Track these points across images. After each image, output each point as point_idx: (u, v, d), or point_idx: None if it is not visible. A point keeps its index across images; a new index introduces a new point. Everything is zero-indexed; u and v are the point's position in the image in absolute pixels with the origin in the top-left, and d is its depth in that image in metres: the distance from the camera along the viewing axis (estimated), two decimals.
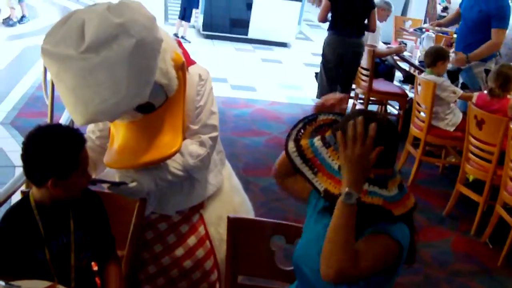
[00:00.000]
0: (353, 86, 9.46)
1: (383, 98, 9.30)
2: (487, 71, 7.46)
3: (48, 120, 5.91)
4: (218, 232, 3.59)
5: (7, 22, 13.39)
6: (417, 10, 15.22)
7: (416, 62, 8.87)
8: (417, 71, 8.62)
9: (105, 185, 3.18)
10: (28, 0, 14.58)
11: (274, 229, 3.17)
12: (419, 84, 7.20)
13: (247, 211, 3.78)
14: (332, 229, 2.34)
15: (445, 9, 12.77)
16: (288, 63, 13.53)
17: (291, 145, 2.53)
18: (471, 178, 6.86)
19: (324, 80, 9.11)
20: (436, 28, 9.41)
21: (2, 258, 2.78)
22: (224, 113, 7.95)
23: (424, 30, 10.12)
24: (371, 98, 9.04)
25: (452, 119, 7.12)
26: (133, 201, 3.28)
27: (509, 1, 7.86)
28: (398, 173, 2.55)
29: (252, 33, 15.20)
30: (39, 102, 8.35)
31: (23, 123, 7.86)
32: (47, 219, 2.84)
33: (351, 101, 9.69)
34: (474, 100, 6.54)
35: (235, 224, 3.16)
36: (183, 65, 3.11)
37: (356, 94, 9.51)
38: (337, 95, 2.87)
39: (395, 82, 10.35)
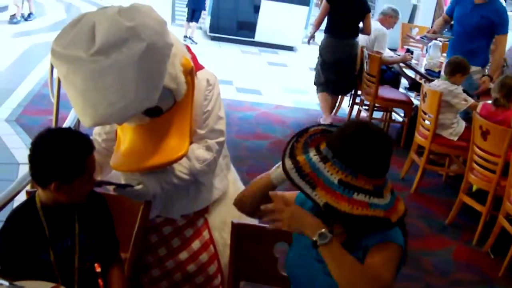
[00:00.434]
0: (359, 92, 9.48)
1: (388, 105, 9.28)
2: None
3: (53, 118, 5.91)
4: (222, 237, 3.59)
5: (12, 20, 13.39)
6: (424, 18, 15.22)
7: (422, 70, 8.86)
8: (423, 79, 8.61)
9: (111, 187, 3.18)
10: None
11: (278, 236, 3.17)
12: (425, 93, 7.19)
13: None
14: (337, 272, 2.38)
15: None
16: (294, 67, 13.54)
17: (288, 162, 2.49)
18: (474, 187, 6.86)
19: (322, 78, 9.53)
20: (436, 35, 9.42)
21: (7, 258, 2.79)
22: (229, 116, 7.98)
23: (432, 38, 10.11)
24: (376, 104, 9.04)
25: (456, 128, 7.12)
26: (138, 204, 3.28)
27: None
28: (387, 179, 2.60)
29: (258, 36, 15.21)
30: (45, 100, 8.35)
31: (28, 121, 7.88)
32: (53, 221, 2.84)
33: (356, 108, 9.69)
34: (478, 109, 6.53)
35: (239, 230, 3.16)
36: (192, 70, 3.11)
37: (362, 101, 9.51)
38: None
39: (401, 89, 10.34)
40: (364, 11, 9.09)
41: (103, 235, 3.06)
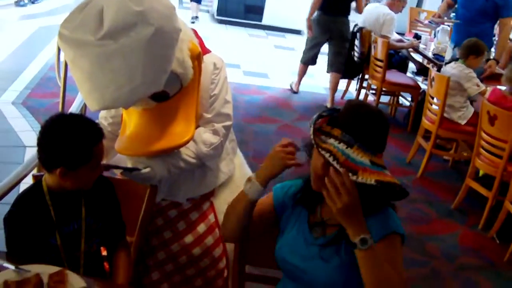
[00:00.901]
0: (366, 76, 9.47)
1: (396, 89, 9.27)
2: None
3: (60, 101, 5.92)
4: None
5: (19, 2, 13.38)
6: (432, 2, 15.14)
7: (430, 55, 8.85)
8: (431, 64, 8.60)
9: (118, 171, 3.18)
10: None
11: None
12: (433, 77, 7.17)
13: None
14: (369, 277, 2.41)
15: None
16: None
17: (327, 154, 2.46)
18: (481, 172, 6.85)
19: (308, 50, 10.07)
20: (443, 19, 9.39)
21: (13, 242, 2.81)
22: (236, 99, 7.95)
23: (439, 23, 10.08)
24: (383, 89, 9.02)
25: (465, 112, 7.10)
26: (144, 187, 3.29)
27: None
28: None
29: (266, 20, 15.18)
30: (51, 83, 8.37)
31: (35, 103, 7.89)
32: (59, 205, 2.85)
33: (363, 92, 9.68)
34: (487, 95, 6.51)
35: None
36: (199, 55, 3.11)
37: (369, 85, 9.50)
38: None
39: (408, 74, 10.32)
40: None
41: (110, 219, 3.07)
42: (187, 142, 3.09)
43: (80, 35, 2.64)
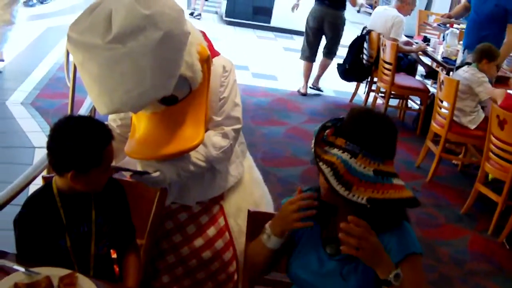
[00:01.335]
0: (375, 79, 9.46)
1: (405, 92, 9.25)
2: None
3: (69, 102, 5.91)
4: (238, 224, 3.59)
5: (27, 2, 13.39)
6: (441, 5, 15.16)
7: (439, 58, 8.83)
8: (440, 67, 8.58)
9: (127, 173, 3.17)
10: None
11: None
12: (442, 81, 7.15)
13: (267, 203, 3.77)
14: None
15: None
16: None
17: (327, 169, 2.45)
18: (490, 177, 6.83)
19: (305, 44, 10.43)
20: (450, 20, 9.40)
21: (23, 244, 2.80)
22: (244, 101, 7.98)
23: (448, 25, 10.06)
24: (392, 92, 8.99)
25: (475, 116, 7.08)
26: (154, 190, 3.28)
27: None
28: None
29: (274, 21, 15.21)
30: (60, 83, 8.37)
31: (44, 104, 7.90)
32: (69, 207, 2.84)
33: (372, 95, 9.66)
34: (500, 102, 6.48)
35: (255, 218, 3.15)
36: (208, 58, 3.10)
37: (378, 88, 9.49)
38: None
39: (417, 77, 10.31)
40: None
41: (120, 221, 3.06)
42: (197, 146, 3.08)
43: (89, 38, 2.64)
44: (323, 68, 10.55)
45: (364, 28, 9.78)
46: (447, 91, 7.02)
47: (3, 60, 9.39)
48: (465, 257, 5.77)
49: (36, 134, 6.82)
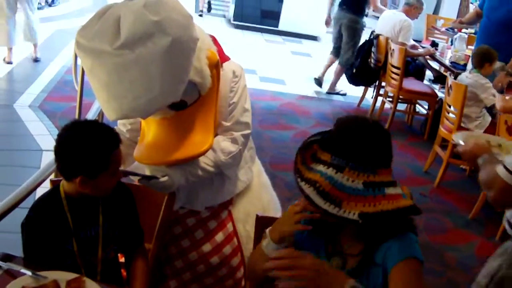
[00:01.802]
0: (383, 84, 9.45)
1: (413, 97, 9.23)
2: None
3: (77, 106, 5.92)
4: (246, 229, 3.58)
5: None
6: (450, 9, 15.12)
7: (447, 62, 8.81)
8: (448, 72, 8.56)
9: (135, 178, 3.17)
10: None
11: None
12: (450, 86, 7.13)
13: (275, 209, 3.75)
14: None
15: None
16: (318, 57, 13.48)
17: (306, 186, 2.36)
18: None
19: (332, 47, 10.90)
20: (462, 25, 9.38)
21: (31, 248, 2.79)
22: (252, 106, 7.99)
23: (456, 30, 10.05)
24: (400, 96, 8.97)
25: (482, 121, 7.07)
26: (162, 195, 3.28)
27: None
28: None
29: (282, 25, 15.18)
30: (68, 86, 8.39)
31: (52, 107, 7.91)
32: (76, 211, 2.84)
33: (380, 99, 9.65)
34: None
35: (263, 223, 3.13)
36: (218, 63, 3.09)
37: (385, 92, 9.47)
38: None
39: (425, 82, 10.29)
40: None
41: (127, 225, 3.06)
42: (206, 151, 3.07)
43: (97, 44, 2.64)
44: (337, 75, 10.64)
45: (372, 32, 9.78)
46: (455, 96, 7.00)
47: (11, 63, 9.42)
48: (473, 263, 5.74)
49: (44, 137, 6.83)
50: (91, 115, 4.96)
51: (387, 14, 9.67)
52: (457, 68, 8.45)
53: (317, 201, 2.32)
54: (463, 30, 9.91)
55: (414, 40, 9.83)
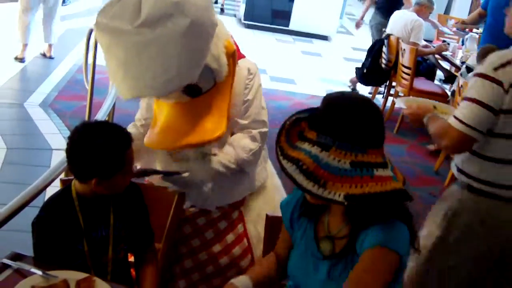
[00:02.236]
0: (393, 83, 9.42)
1: (423, 97, 9.16)
2: None
3: (87, 104, 5.92)
4: (257, 230, 3.56)
5: None
6: (461, 9, 15.10)
7: (458, 62, 8.78)
8: (459, 72, 8.53)
9: (156, 176, 3.19)
10: None
11: None
12: (461, 86, 7.10)
13: None
14: None
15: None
16: (328, 56, 13.47)
17: (288, 164, 2.26)
18: None
19: None
20: (466, 25, 9.36)
21: (41, 247, 2.79)
22: None
23: (467, 30, 10.02)
24: (411, 96, 8.93)
25: None
26: (172, 195, 3.28)
27: None
28: None
29: (293, 25, 15.17)
30: (79, 85, 8.38)
31: (62, 106, 7.91)
32: (88, 211, 2.84)
33: (390, 99, 9.63)
34: None
35: (273, 223, 3.12)
36: (234, 53, 3.13)
37: (396, 92, 9.43)
38: None
39: (436, 81, 10.26)
40: None
41: (138, 225, 3.05)
42: (219, 138, 3.10)
43: (118, 23, 2.70)
44: (373, 93, 10.53)
45: (383, 32, 9.76)
46: None
47: (23, 61, 9.45)
48: None
49: (54, 136, 6.82)
50: (101, 113, 4.96)
51: (398, 14, 9.63)
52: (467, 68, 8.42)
53: (300, 181, 2.22)
54: (474, 30, 9.87)
55: (425, 40, 9.80)
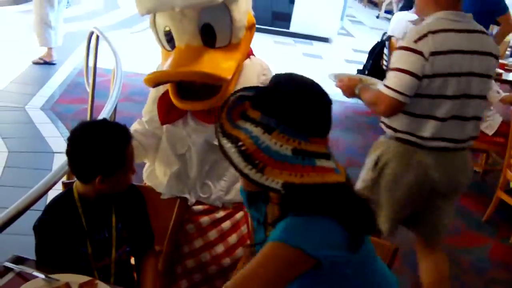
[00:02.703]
0: None
1: None
2: None
3: (88, 107, 5.92)
4: None
5: None
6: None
7: None
8: None
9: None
10: None
11: None
12: None
13: None
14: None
15: None
16: (329, 59, 13.47)
17: (227, 143, 2.13)
18: None
19: None
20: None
21: (44, 250, 2.78)
22: None
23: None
24: None
25: (492, 122, 7.02)
26: (174, 198, 3.28)
27: None
28: None
29: (293, 27, 15.19)
30: (79, 88, 8.40)
31: (63, 109, 7.92)
32: (90, 213, 2.84)
33: None
34: None
35: None
36: (253, 26, 3.20)
37: None
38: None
39: None
40: None
41: (139, 226, 3.05)
42: (230, 80, 3.10)
43: None
44: None
45: (384, 34, 9.73)
46: None
47: (55, 63, 9.51)
48: (486, 265, 5.72)
49: (55, 139, 6.83)
50: (103, 116, 4.96)
51: (400, 16, 9.62)
52: None
53: (237, 162, 2.09)
54: None
55: None
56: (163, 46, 3.26)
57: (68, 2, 13.82)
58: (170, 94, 3.16)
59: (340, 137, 8.47)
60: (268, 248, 2.14)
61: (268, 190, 2.12)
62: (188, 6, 2.93)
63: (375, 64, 9.51)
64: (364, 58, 10.01)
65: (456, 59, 3.66)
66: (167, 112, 3.26)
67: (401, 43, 3.79)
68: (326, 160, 2.17)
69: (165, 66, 3.07)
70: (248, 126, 2.14)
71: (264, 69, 3.31)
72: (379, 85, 3.86)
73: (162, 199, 3.33)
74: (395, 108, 3.72)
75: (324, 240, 2.15)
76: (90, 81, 6.19)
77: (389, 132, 3.93)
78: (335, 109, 7.25)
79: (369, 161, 4.06)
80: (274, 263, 2.13)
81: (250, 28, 3.17)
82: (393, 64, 3.74)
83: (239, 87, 2.84)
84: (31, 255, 2.79)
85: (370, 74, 9.41)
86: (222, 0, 2.92)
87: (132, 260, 3.17)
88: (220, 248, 3.48)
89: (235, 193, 3.44)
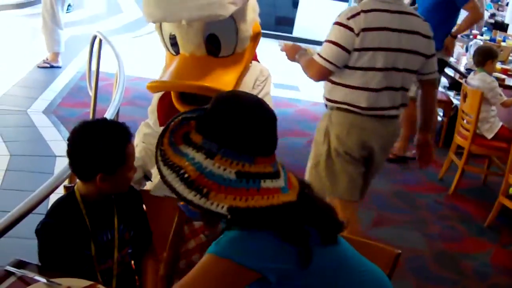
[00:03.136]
0: None
1: None
2: None
3: (91, 111, 5.92)
4: None
5: None
6: (462, 15, 15.04)
7: (463, 69, 8.76)
8: (463, 79, 8.52)
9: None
10: None
11: None
12: (466, 93, 7.09)
13: None
14: None
15: (492, 15, 12.63)
16: None
17: (168, 171, 2.09)
18: None
19: None
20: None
21: (48, 254, 2.77)
22: None
23: (471, 37, 9.99)
24: None
25: (492, 125, 7.02)
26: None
27: None
28: None
29: (297, 32, 15.17)
30: (82, 92, 8.40)
31: (65, 113, 7.92)
32: (93, 214, 2.84)
33: None
34: None
35: None
36: (258, 35, 3.23)
37: None
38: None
39: (440, 88, 10.23)
40: None
41: (139, 226, 3.06)
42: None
43: None
44: None
45: None
46: (470, 102, 6.95)
47: (60, 67, 9.53)
48: (488, 271, 5.70)
49: (58, 143, 6.83)
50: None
51: None
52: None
53: (180, 190, 2.04)
54: (479, 37, 9.84)
55: None
56: (167, 49, 3.27)
57: (69, 6, 13.86)
58: (172, 98, 3.17)
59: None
60: (203, 260, 2.14)
61: (213, 215, 2.05)
62: (195, 19, 2.94)
63: None
64: None
65: (385, 35, 4.13)
66: (167, 114, 3.27)
67: (337, 19, 4.26)
68: (273, 180, 2.12)
69: (168, 73, 3.09)
70: (190, 151, 2.10)
71: (263, 75, 3.32)
72: (315, 55, 4.36)
73: (163, 204, 3.30)
74: (323, 74, 4.31)
75: (263, 252, 2.10)
76: (93, 85, 6.18)
77: (330, 105, 4.44)
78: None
79: (319, 135, 4.55)
80: (205, 275, 2.13)
81: (255, 38, 3.18)
82: (327, 37, 4.27)
83: None
84: (33, 259, 2.78)
85: None
86: (230, 14, 2.92)
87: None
88: None
89: None
